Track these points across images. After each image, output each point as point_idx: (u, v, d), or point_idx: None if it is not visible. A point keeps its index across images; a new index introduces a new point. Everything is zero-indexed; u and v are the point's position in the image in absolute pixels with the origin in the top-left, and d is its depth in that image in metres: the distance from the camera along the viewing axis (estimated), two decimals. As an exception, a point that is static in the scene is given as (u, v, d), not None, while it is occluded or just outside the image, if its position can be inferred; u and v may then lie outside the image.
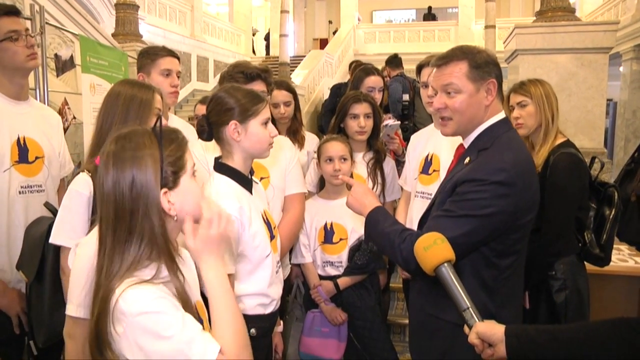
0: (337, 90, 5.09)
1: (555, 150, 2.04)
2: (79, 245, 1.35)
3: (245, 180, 1.63)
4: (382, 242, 1.46)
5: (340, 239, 2.26)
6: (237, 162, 1.61)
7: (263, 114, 1.59)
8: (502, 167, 1.35)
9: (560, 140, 2.08)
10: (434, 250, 1.20)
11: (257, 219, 1.60)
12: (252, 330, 1.59)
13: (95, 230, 1.34)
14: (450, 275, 1.19)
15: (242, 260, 1.58)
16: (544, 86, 2.14)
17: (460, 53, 1.45)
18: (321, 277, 2.27)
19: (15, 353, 1.88)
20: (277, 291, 1.70)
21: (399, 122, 2.74)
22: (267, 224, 1.67)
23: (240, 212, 1.53)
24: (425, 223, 1.54)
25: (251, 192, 1.64)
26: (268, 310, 1.67)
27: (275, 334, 1.83)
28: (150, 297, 0.97)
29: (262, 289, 1.62)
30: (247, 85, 1.90)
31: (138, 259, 1.02)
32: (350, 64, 5.53)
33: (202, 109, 2.58)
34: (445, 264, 1.19)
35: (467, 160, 1.47)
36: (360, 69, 3.06)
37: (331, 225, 2.25)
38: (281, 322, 1.88)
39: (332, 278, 2.25)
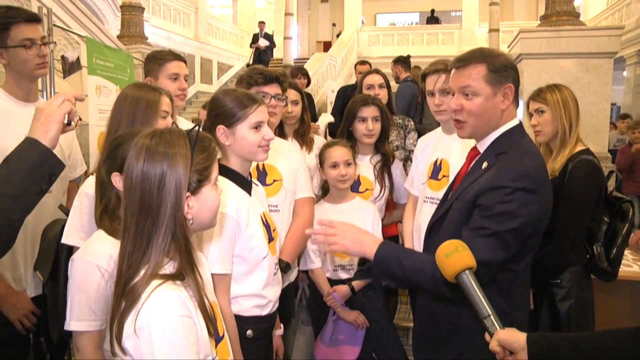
0: (344, 93, 5.12)
1: (574, 157, 2.00)
2: (74, 257, 1.34)
3: (243, 182, 1.62)
4: (415, 277, 1.37)
5: None
6: (234, 164, 1.61)
7: (252, 117, 1.56)
8: (526, 172, 1.34)
9: (579, 147, 2.05)
10: (456, 258, 1.20)
11: (254, 220, 1.59)
12: (249, 332, 1.59)
13: (94, 237, 1.34)
14: (471, 283, 1.18)
15: (239, 261, 1.58)
16: (562, 92, 2.09)
17: (480, 56, 1.45)
18: (331, 281, 2.24)
19: (20, 352, 1.87)
20: (274, 293, 1.69)
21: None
22: (266, 226, 1.66)
23: (237, 212, 1.53)
24: (435, 230, 1.53)
25: (250, 194, 1.64)
26: (265, 312, 1.65)
27: (275, 336, 1.82)
28: (175, 313, 0.99)
29: (257, 290, 1.62)
30: (264, 86, 1.95)
31: (161, 251, 1.04)
32: (355, 65, 5.57)
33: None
34: (467, 271, 1.18)
35: (484, 165, 1.45)
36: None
37: None
38: (281, 325, 1.87)
39: (344, 281, 2.22)
